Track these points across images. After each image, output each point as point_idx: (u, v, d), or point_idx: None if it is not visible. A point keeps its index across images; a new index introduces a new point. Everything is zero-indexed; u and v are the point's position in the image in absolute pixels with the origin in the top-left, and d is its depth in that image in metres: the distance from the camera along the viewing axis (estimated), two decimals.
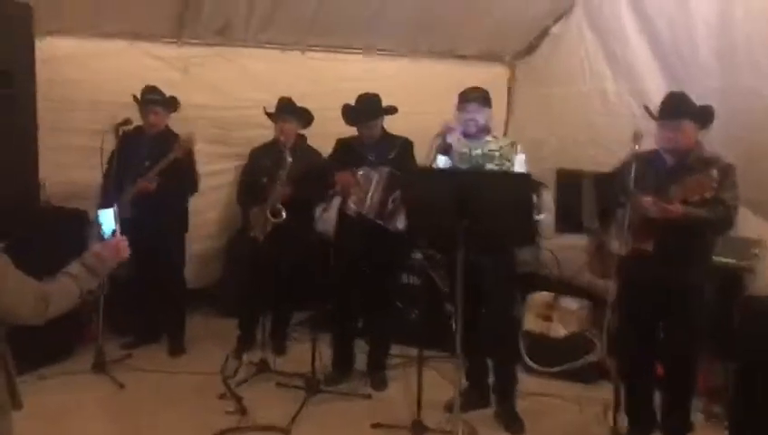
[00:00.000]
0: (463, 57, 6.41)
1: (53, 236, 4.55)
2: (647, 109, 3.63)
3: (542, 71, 6.36)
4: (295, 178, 4.58)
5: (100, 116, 4.90)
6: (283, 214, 4.51)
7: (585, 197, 3.30)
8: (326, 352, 4.54)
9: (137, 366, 4.65)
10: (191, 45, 5.52)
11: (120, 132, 4.69)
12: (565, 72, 6.05)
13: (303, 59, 5.86)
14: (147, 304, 5.05)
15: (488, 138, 3.93)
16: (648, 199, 3.23)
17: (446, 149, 3.78)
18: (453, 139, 3.81)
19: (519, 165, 3.81)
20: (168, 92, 4.98)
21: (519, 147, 3.88)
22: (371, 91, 4.50)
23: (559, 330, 4.76)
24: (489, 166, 3.83)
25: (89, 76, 5.15)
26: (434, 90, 5.77)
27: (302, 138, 4.94)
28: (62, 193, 4.91)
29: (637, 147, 3.37)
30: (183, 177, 4.74)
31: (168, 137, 4.77)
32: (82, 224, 4.67)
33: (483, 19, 5.95)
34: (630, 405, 3.78)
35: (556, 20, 6.09)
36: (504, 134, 6.71)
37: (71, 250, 4.53)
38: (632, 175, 3.25)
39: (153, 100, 4.78)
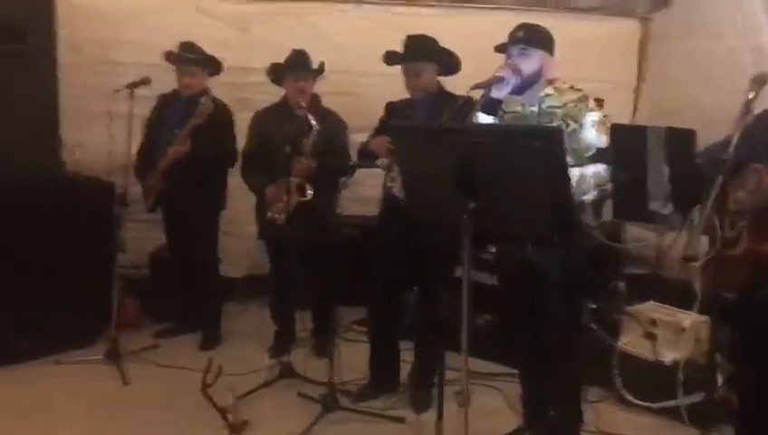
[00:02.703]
0: (580, 10, 5.29)
1: (76, 210, 4.15)
2: None
3: (681, 25, 5.12)
4: (319, 149, 3.80)
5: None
6: (309, 192, 3.76)
7: (652, 166, 2.22)
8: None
9: (155, 359, 4.12)
10: (251, 1, 4.94)
11: (157, 96, 4.26)
12: (711, 24, 4.81)
13: (385, 15, 5.09)
14: (183, 289, 4.51)
15: (547, 90, 2.90)
16: None
17: (490, 106, 2.81)
18: (503, 94, 2.83)
19: (590, 127, 2.78)
20: (224, 54, 4.42)
21: (592, 102, 2.82)
22: (463, 51, 3.66)
23: (665, 353, 3.60)
24: None
25: (132, 35, 4.71)
26: None
27: (317, 98, 4.10)
28: (95, 163, 4.45)
29: (751, 95, 2.23)
30: (215, 142, 4.12)
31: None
32: (108, 197, 4.20)
33: None
34: None
35: None
36: (635, 105, 5.59)
37: (95, 226, 4.32)
38: (736, 137, 2.13)
39: (188, 58, 4.19)
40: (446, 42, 3.89)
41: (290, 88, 3.99)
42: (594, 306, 4.32)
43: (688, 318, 3.60)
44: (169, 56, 4.21)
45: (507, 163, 2.03)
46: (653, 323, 3.69)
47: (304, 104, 3.84)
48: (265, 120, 4.12)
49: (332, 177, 3.70)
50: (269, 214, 3.95)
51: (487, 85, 2.75)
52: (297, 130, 3.80)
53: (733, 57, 4.59)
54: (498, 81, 2.76)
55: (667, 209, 2.27)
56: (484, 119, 2.81)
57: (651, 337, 3.68)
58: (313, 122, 3.72)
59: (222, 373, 3.27)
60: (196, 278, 4.41)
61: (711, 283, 2.28)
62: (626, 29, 5.43)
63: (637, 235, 4.96)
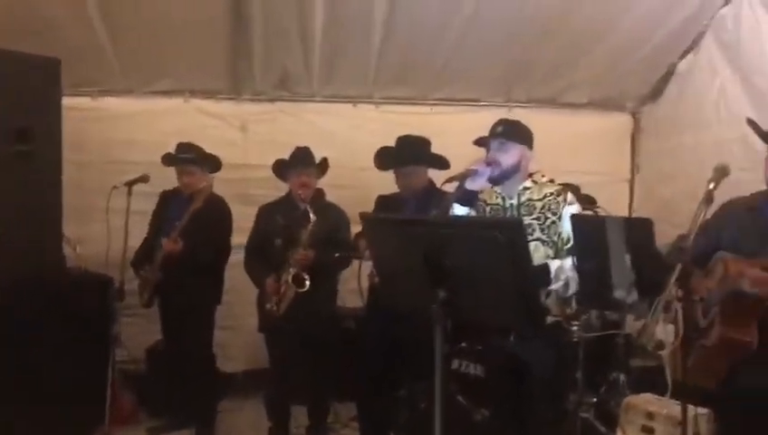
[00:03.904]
0: (571, 106, 5.47)
1: (74, 304, 4.20)
2: (752, 124, 2.52)
3: (669, 118, 5.27)
4: (318, 240, 3.86)
5: (153, 178, 4.50)
6: (307, 283, 3.78)
7: (614, 255, 2.25)
8: None
9: None
10: (251, 102, 5.18)
11: (160, 193, 4.43)
12: (697, 117, 4.95)
13: (377, 113, 5.30)
14: (178, 384, 4.48)
15: (526, 183, 2.99)
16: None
17: (466, 198, 2.90)
18: (478, 186, 2.92)
19: (568, 220, 2.83)
20: (225, 152, 4.57)
21: (570, 195, 2.89)
22: (457, 147, 3.66)
23: None
24: (528, 220, 2.89)
25: (139, 136, 4.93)
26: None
27: (321, 192, 4.20)
28: (95, 258, 4.52)
29: (711, 186, 2.28)
30: (209, 236, 4.17)
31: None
32: (105, 291, 4.27)
33: (589, 60, 5.01)
34: None
35: (682, 55, 5.02)
36: (630, 197, 5.67)
37: (92, 319, 4.35)
38: (695, 227, 2.17)
39: (185, 159, 4.29)
40: (439, 138, 4.04)
41: (293, 182, 4.08)
42: (594, 400, 4.25)
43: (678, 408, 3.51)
44: (165, 158, 4.33)
45: (472, 254, 2.07)
46: (650, 416, 3.61)
47: (304, 197, 3.93)
48: (267, 213, 4.19)
49: (329, 268, 3.74)
50: (267, 305, 3.96)
51: (461, 178, 2.84)
52: (293, 222, 3.87)
53: (720, 147, 4.66)
54: (472, 173, 2.86)
55: (632, 297, 2.29)
56: (459, 210, 2.90)
57: (649, 431, 3.59)
58: (311, 214, 3.79)
59: None
60: (190, 373, 4.36)
61: (688, 374, 2.26)
62: (618, 123, 5.61)
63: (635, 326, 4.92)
